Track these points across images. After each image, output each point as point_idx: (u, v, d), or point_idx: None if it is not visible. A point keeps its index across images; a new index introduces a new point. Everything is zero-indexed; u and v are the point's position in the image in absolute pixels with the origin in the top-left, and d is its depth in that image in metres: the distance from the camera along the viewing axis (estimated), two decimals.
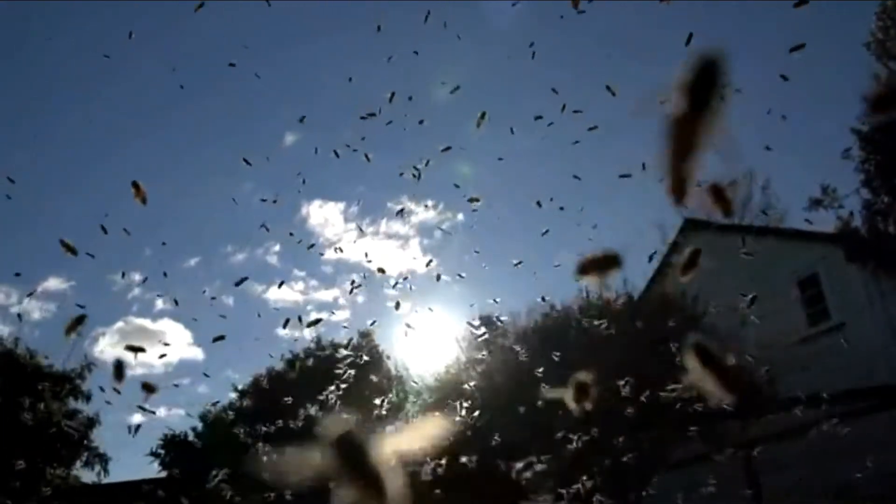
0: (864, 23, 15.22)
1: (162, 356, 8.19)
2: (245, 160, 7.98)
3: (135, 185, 3.51)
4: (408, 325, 8.35)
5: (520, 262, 8.67)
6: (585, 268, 1.42)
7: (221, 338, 7.75)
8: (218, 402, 17.92)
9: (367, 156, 8.72)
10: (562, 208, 8.10)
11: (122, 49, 23.26)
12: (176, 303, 9.40)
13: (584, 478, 9.12)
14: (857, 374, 13.67)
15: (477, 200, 8.51)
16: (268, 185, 25.30)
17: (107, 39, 23.10)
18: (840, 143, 14.78)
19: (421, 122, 9.04)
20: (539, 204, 8.06)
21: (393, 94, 8.11)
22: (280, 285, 23.69)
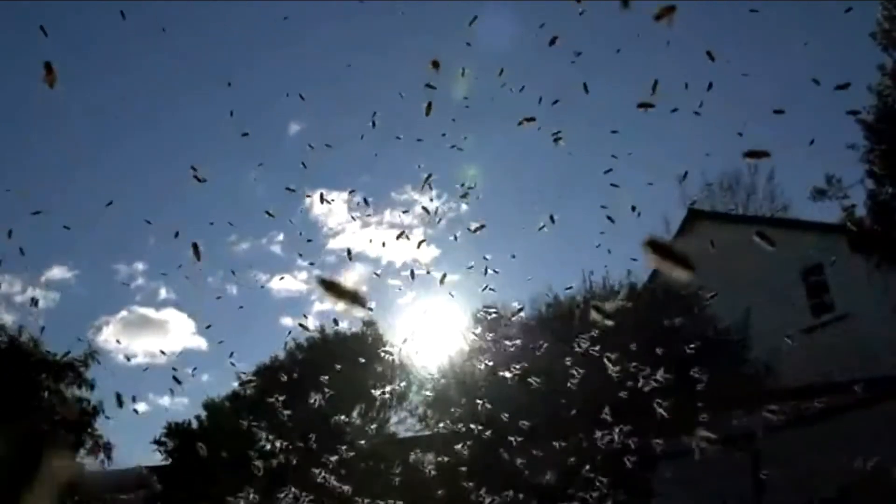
0: (869, 12, 15.13)
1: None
2: (194, 173, 6.87)
3: (47, 66, 3.20)
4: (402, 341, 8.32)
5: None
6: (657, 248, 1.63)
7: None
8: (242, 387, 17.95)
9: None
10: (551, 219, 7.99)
11: (124, 41, 23.20)
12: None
13: (588, 468, 9.13)
14: (861, 365, 13.67)
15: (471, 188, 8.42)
16: (272, 174, 25.25)
17: (109, 33, 23.04)
18: (845, 133, 14.75)
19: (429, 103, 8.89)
20: (552, 219, 7.98)
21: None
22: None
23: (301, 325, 9.37)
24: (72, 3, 20.72)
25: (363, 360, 12.60)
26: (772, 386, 12.49)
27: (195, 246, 3.22)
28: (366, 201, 8.73)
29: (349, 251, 8.78)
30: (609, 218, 8.56)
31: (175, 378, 7.25)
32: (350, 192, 9.07)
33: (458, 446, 9.54)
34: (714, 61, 5.42)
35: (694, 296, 13.15)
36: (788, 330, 15.15)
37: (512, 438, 8.89)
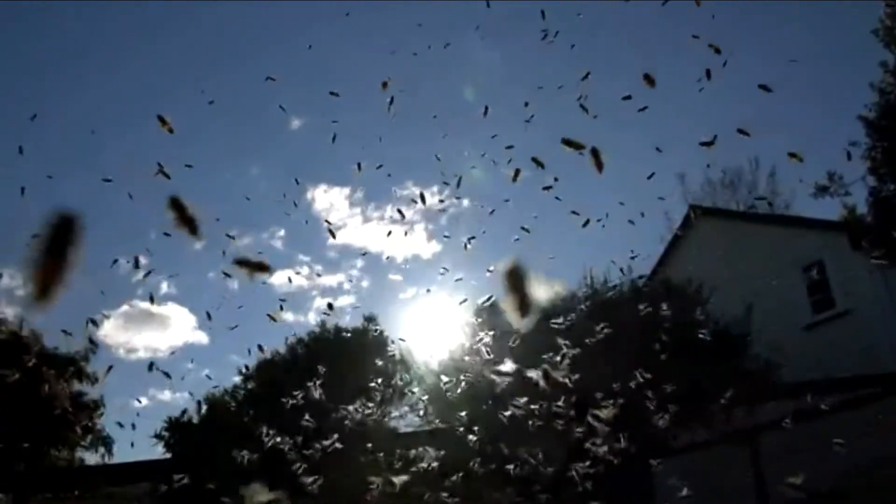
0: (872, 10, 15.12)
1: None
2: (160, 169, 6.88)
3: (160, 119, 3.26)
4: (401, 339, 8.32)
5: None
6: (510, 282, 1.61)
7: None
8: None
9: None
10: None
11: (126, 36, 23.20)
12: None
13: (587, 464, 9.12)
14: (861, 361, 13.68)
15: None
16: (274, 169, 25.26)
17: (109, 29, 23.06)
18: (847, 131, 14.75)
19: (434, 116, 9.00)
20: (587, 222, 7.91)
21: (386, 83, 7.80)
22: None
23: (270, 315, 9.32)
24: (73, 3, 20.71)
25: (376, 361, 12.60)
26: (772, 382, 12.49)
27: (160, 118, 3.19)
28: (358, 166, 8.56)
29: (329, 226, 8.77)
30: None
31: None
32: (378, 167, 8.98)
33: (458, 443, 9.53)
34: (720, 54, 5.41)
35: (696, 292, 13.14)
36: (790, 327, 15.17)
37: (527, 419, 8.87)
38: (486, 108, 7.69)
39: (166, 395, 26.13)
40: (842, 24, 22.37)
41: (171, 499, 11.64)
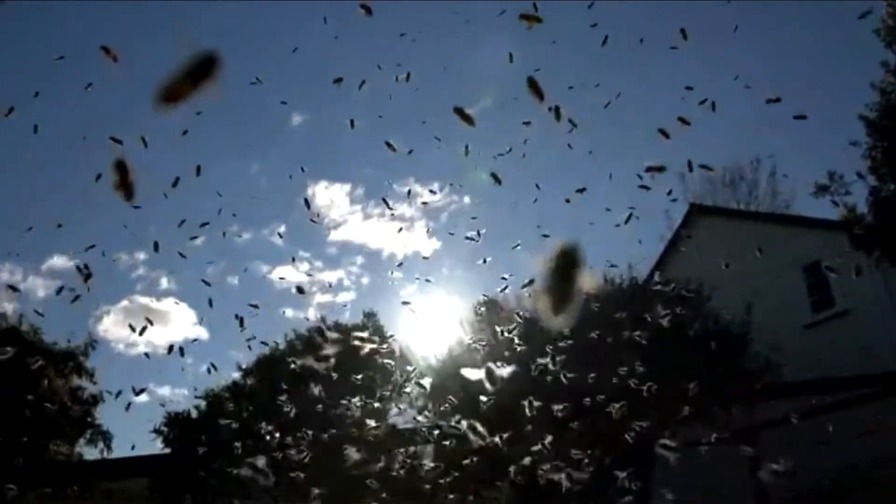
0: (872, 10, 15.07)
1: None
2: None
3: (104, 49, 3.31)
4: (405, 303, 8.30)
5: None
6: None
7: None
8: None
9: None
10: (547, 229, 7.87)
11: (126, 36, 23.14)
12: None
13: (585, 461, 9.11)
14: (861, 361, 13.67)
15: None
16: (275, 165, 25.24)
17: (109, 26, 23.00)
18: (848, 130, 14.74)
19: (423, 122, 8.99)
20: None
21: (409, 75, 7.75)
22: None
23: (252, 305, 9.32)
24: (73, 3, 20.66)
25: (376, 358, 12.59)
26: (772, 382, 12.49)
27: (104, 48, 3.26)
28: (351, 123, 8.34)
29: (306, 200, 8.81)
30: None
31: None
32: (409, 152, 8.92)
33: (456, 441, 9.53)
34: (686, 40, 5.44)
35: (696, 291, 13.12)
36: (789, 326, 15.16)
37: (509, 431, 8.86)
38: (510, 58, 7.61)
39: (165, 390, 26.13)
40: (842, 24, 22.33)
41: (171, 495, 11.65)
